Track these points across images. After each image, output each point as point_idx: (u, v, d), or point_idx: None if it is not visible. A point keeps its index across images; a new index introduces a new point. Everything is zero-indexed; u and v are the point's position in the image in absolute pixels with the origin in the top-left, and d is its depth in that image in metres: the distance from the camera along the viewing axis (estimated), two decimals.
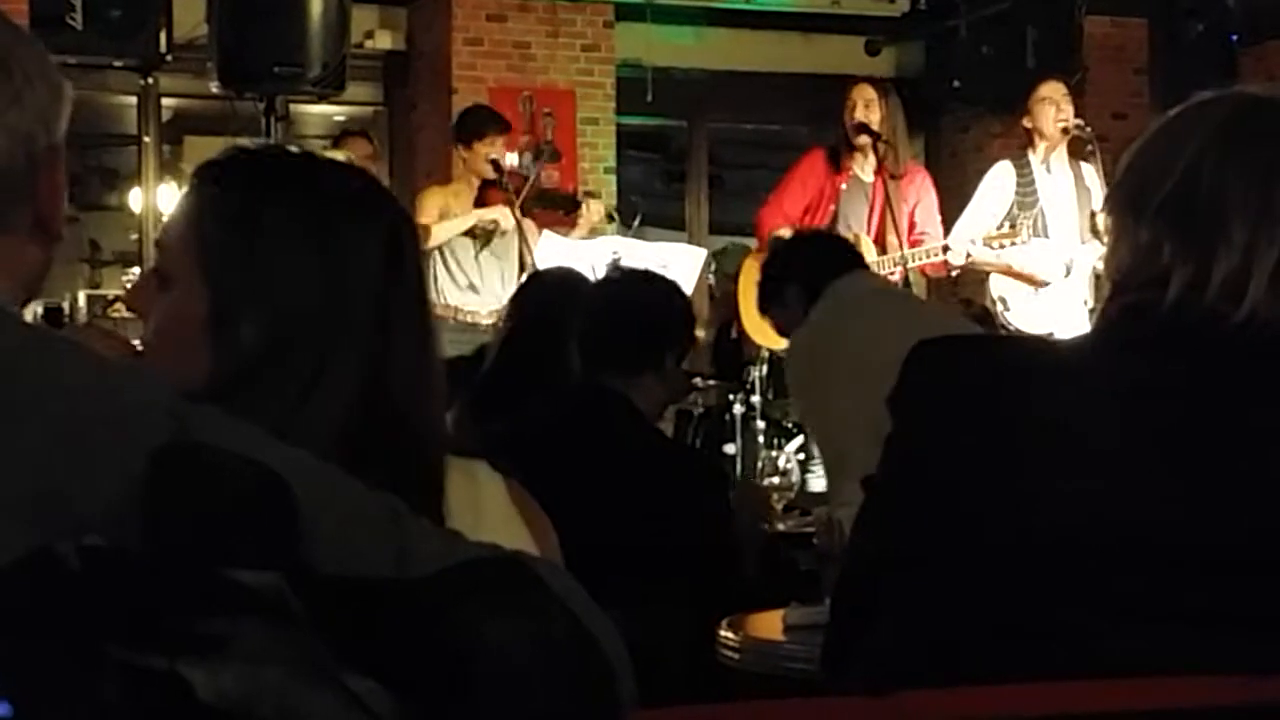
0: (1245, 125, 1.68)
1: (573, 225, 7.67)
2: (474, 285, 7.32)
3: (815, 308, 4.37)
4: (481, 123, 7.42)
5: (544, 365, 3.95)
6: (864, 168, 6.87)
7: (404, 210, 1.71)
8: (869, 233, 6.82)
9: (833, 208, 6.85)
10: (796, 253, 4.70)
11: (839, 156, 6.93)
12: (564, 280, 4.40)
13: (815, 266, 4.45)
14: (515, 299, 4.35)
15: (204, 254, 1.58)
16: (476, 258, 7.34)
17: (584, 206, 7.82)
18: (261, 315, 1.55)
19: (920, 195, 6.98)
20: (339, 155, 7.89)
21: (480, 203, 7.36)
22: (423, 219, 7.08)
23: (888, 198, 6.74)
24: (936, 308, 4.70)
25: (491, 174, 7.31)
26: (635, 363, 3.46)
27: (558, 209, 7.94)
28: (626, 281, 3.82)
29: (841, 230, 6.71)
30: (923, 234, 6.86)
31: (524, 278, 5.21)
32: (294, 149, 1.70)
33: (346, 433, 1.53)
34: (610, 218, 8.20)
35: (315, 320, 1.56)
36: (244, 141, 1.77)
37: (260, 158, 1.68)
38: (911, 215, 6.87)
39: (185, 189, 1.66)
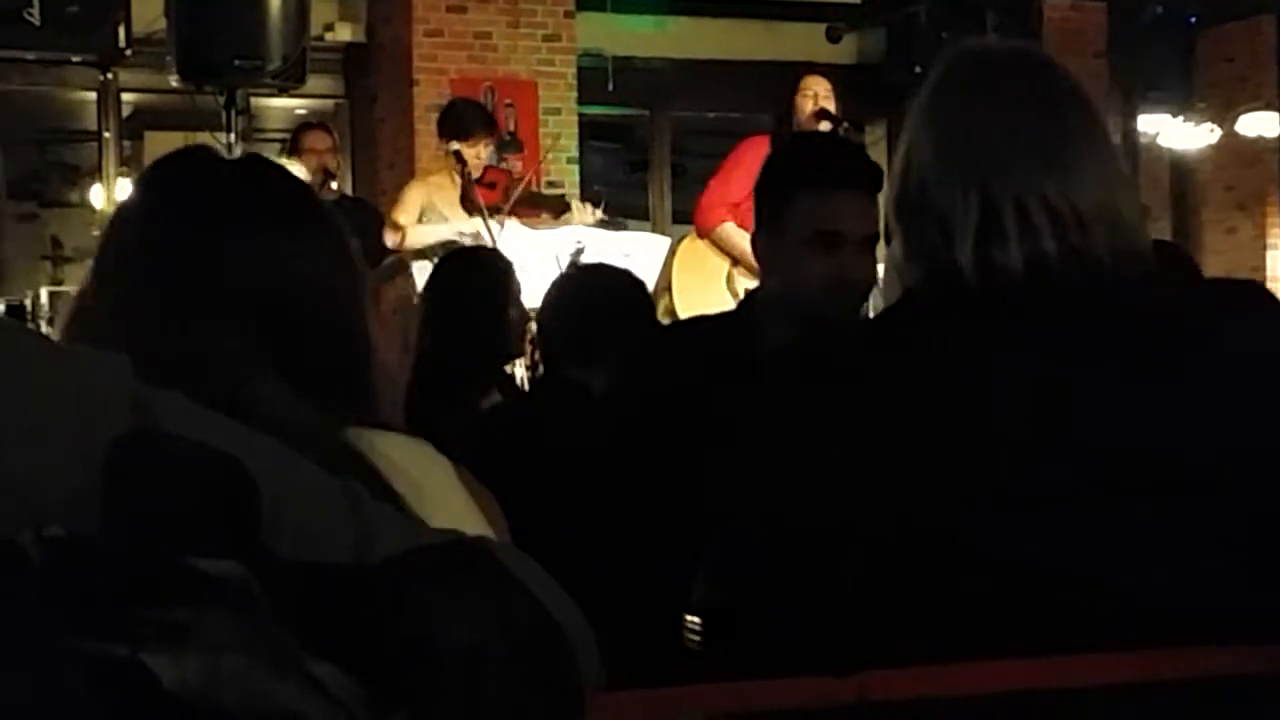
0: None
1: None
2: None
3: None
4: (470, 122, 7.12)
5: (468, 346, 4.15)
6: None
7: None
8: None
9: None
10: None
11: None
12: (476, 260, 4.58)
13: None
14: (429, 283, 4.43)
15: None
16: None
17: (574, 208, 7.48)
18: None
19: None
20: (293, 164, 7.77)
21: (466, 199, 7.06)
22: (401, 218, 6.96)
23: None
24: None
25: (472, 174, 7.03)
26: (590, 352, 3.51)
27: (547, 209, 7.74)
28: (578, 273, 3.91)
29: None
30: None
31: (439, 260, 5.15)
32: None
33: (263, 310, 1.55)
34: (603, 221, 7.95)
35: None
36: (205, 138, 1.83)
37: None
38: None
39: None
